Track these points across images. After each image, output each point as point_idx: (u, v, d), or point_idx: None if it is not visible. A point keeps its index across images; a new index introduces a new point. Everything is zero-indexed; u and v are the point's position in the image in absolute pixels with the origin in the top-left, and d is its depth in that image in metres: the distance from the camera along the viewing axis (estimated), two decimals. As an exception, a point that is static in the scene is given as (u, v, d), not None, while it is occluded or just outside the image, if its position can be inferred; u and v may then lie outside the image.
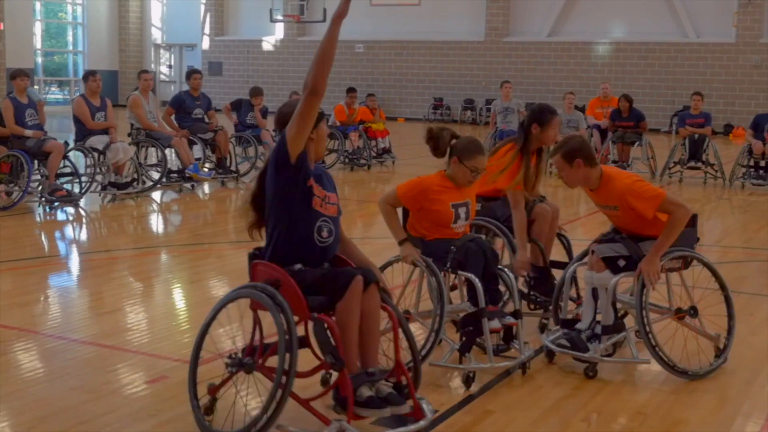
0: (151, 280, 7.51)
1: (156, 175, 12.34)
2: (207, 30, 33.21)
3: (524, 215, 5.78)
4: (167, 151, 12.41)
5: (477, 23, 28.79)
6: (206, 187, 12.82)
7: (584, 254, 5.39)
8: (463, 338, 4.95)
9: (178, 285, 7.37)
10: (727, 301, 5.28)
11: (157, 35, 35.15)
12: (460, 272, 5.01)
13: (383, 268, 5.13)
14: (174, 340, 5.62)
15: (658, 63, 26.49)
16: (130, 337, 5.67)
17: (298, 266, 4.10)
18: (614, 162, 14.88)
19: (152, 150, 12.76)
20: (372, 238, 9.74)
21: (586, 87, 25.70)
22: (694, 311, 5.15)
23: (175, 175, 12.52)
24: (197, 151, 13.04)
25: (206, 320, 4.25)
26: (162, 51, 35.33)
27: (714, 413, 4.59)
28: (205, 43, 33.37)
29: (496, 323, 4.93)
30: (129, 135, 12.50)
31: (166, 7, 34.66)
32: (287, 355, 3.81)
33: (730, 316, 5.26)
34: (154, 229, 10.43)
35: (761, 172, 13.52)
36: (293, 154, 4.03)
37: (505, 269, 5.23)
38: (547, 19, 27.80)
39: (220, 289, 7.15)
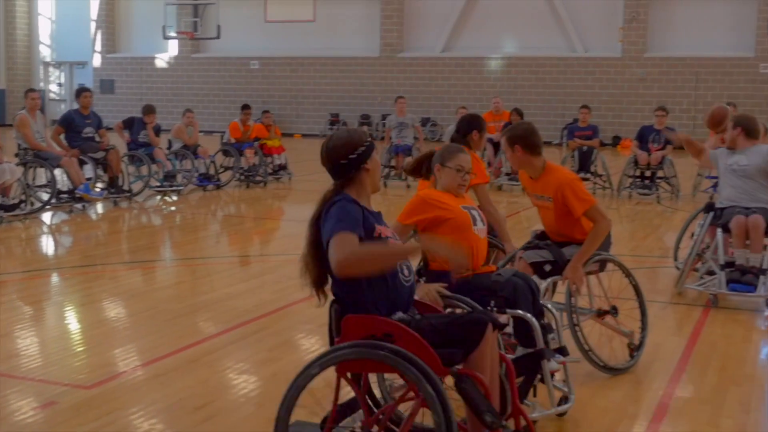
0: (41, 304, 7.32)
1: (45, 196, 12.04)
2: (98, 47, 32.58)
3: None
4: (57, 171, 12.13)
5: (372, 39, 29.01)
6: (98, 208, 12.57)
7: (508, 260, 5.54)
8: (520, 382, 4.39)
9: (70, 307, 7.20)
10: (640, 299, 5.57)
11: (46, 53, 34.31)
12: (509, 310, 4.49)
13: None
14: (65, 365, 5.49)
15: (548, 77, 27.13)
16: (18, 362, 5.51)
17: (399, 314, 3.65)
18: (507, 174, 15.19)
19: (41, 170, 12.46)
20: (269, 255, 9.71)
21: (479, 101, 26.12)
22: (614, 310, 5.41)
23: (66, 195, 12.24)
24: (88, 170, 12.77)
25: (294, 388, 3.61)
26: (51, 69, 34.49)
27: (603, 415, 4.72)
28: (97, 61, 32.71)
29: (554, 364, 4.49)
30: (16, 155, 12.18)
31: (56, 24, 33.87)
32: (447, 420, 3.32)
33: (643, 313, 5.57)
34: (44, 251, 10.17)
35: (647, 182, 13.96)
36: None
37: (548, 303, 4.92)
38: (441, 35, 28.19)
39: (112, 311, 7.03)
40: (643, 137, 14.04)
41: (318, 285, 3.72)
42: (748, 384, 5.28)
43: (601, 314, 5.47)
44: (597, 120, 20.28)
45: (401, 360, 3.35)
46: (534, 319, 4.45)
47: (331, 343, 3.72)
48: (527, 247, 5.47)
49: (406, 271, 3.71)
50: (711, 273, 7.41)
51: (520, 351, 4.50)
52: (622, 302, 5.60)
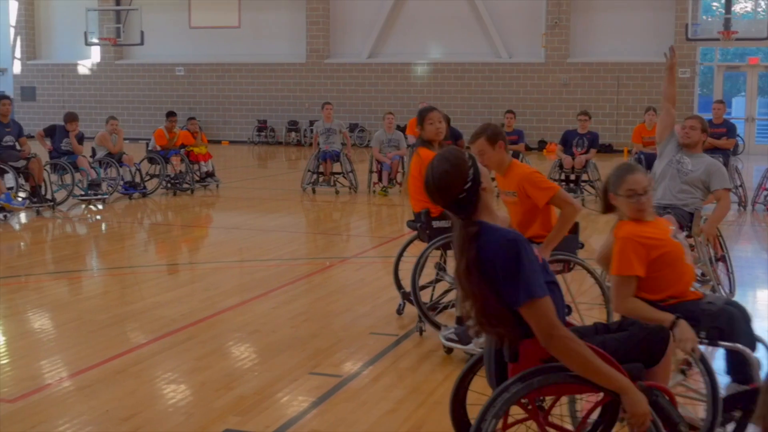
0: (-39, 317, 7.15)
1: (-35, 206, 11.76)
2: (18, 54, 31.90)
3: None
4: (-23, 180, 11.86)
5: (298, 45, 28.95)
6: (21, 217, 12.32)
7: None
8: (732, 422, 4.10)
9: (-8, 320, 7.05)
10: (605, 299, 5.72)
11: (-37, 59, 33.51)
12: (721, 343, 4.14)
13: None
14: (-13, 378, 5.37)
15: (474, 83, 27.41)
16: (-62, 377, 5.38)
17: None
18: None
19: (-40, 180, 12.17)
20: (197, 263, 9.63)
21: (406, 107, 26.28)
22: (569, 310, 5.49)
23: (-14, 205, 11.98)
24: (9, 179, 12.52)
25: (498, 410, 3.24)
26: (-31, 76, 33.69)
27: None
28: (17, 68, 32.03)
29: None
30: (-66, 165, 11.88)
31: (-27, 30, 33.10)
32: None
33: (608, 312, 5.69)
34: (-36, 262, 9.94)
35: (572, 185, 14.20)
36: None
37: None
38: (367, 40, 28.28)
39: (36, 322, 6.89)
40: (567, 141, 14.27)
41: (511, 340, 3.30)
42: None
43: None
44: (522, 125, 20.58)
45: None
46: (752, 354, 4.11)
47: (497, 367, 3.40)
48: None
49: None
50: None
51: (733, 388, 4.20)
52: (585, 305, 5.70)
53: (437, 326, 6.03)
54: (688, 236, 7.39)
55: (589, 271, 5.76)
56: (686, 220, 7.31)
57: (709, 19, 26.17)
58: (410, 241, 6.85)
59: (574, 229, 5.63)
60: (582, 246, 5.92)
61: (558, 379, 3.23)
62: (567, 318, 4.58)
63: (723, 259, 7.63)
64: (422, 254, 6.20)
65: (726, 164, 12.52)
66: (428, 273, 6.55)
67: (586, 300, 6.21)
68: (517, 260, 3.18)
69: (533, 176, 5.46)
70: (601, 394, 3.30)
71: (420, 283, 6.18)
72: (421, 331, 6.24)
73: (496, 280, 3.22)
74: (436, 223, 6.23)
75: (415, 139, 16.27)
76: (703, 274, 7.35)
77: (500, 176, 5.65)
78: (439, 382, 5.29)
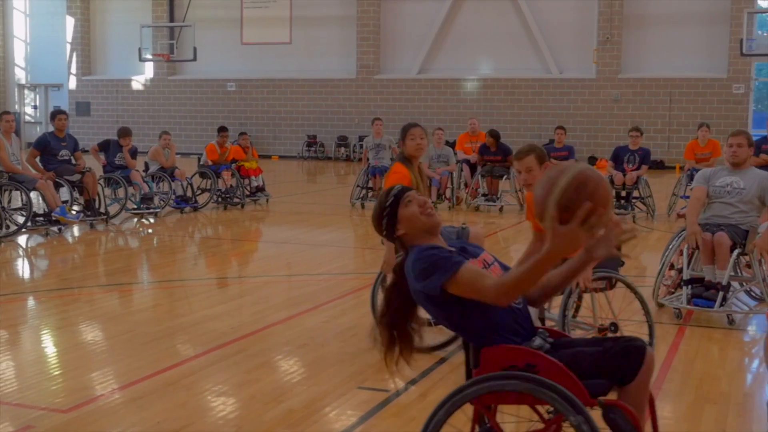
0: (16, 327, 7.26)
1: (21, 219, 11.97)
2: (74, 69, 32.49)
3: None
4: (32, 194, 12.06)
5: (348, 61, 29.11)
6: (75, 230, 12.51)
7: None
8: None
9: (46, 331, 7.15)
10: (647, 316, 5.67)
11: (21, 75, 34.19)
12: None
13: None
14: (41, 388, 5.45)
15: (523, 98, 27.31)
16: (-6, 386, 5.48)
17: (537, 341, 3.45)
18: (483, 195, 15.25)
19: (16, 193, 12.39)
20: (247, 277, 9.70)
21: (455, 122, 26.26)
22: (615, 327, 5.44)
23: (42, 218, 12.18)
24: (64, 193, 12.72)
25: (443, 412, 3.36)
26: (26, 91, 34.37)
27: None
28: (72, 83, 32.62)
29: None
30: (-8, 178, 12.11)
31: (30, 46, 33.78)
32: None
33: (651, 333, 5.62)
34: (20, 274, 10.10)
35: (622, 201, 14.05)
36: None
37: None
38: (417, 56, 28.33)
39: (89, 334, 6.98)
40: (618, 158, 14.14)
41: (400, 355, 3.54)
42: (723, 401, 5.32)
43: (601, 331, 5.54)
44: (572, 141, 20.44)
45: (553, 393, 3.19)
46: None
47: (468, 374, 3.53)
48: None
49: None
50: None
51: None
52: (627, 322, 5.68)
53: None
54: (743, 254, 7.28)
55: (631, 288, 5.70)
56: (741, 238, 7.20)
57: (765, 35, 25.84)
58: None
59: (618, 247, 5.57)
60: (623, 264, 5.87)
61: (496, 387, 3.26)
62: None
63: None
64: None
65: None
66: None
67: (627, 317, 6.14)
68: (424, 259, 3.36)
69: None
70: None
71: None
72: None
73: (416, 287, 3.38)
74: None
75: (465, 155, 16.30)
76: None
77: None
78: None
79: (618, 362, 3.36)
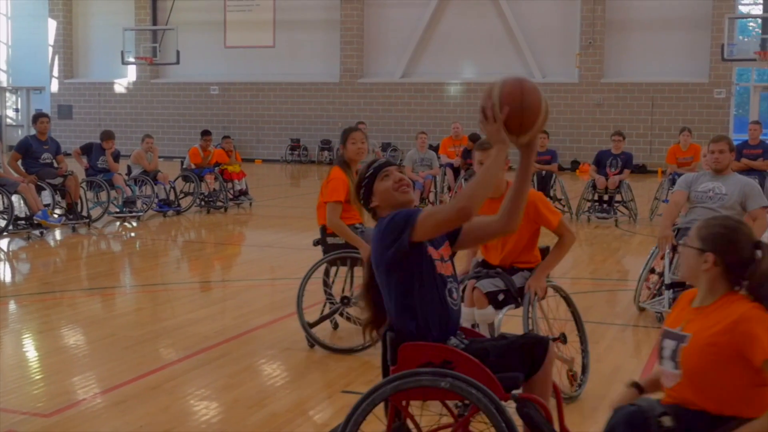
0: (-3, 332, 7.23)
1: (2, 223, 11.91)
2: (56, 72, 32.34)
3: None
4: (14, 197, 12.01)
5: (331, 65, 29.10)
6: (57, 234, 12.45)
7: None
8: None
9: (28, 335, 7.12)
10: (579, 325, 5.55)
11: (2, 78, 34.00)
12: None
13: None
14: (23, 392, 5.42)
15: (507, 102, 27.31)
16: (-25, 391, 5.44)
17: (453, 340, 3.60)
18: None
19: (-2, 196, 12.34)
20: (230, 281, 9.68)
21: (439, 126, 26.30)
22: (564, 338, 5.37)
23: (23, 222, 12.12)
24: (46, 196, 12.66)
25: (362, 411, 3.48)
26: (8, 94, 34.18)
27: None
28: (54, 86, 32.46)
29: None
30: (-28, 181, 12.04)
31: (12, 49, 33.59)
32: None
33: (582, 339, 5.53)
34: (1, 278, 10.04)
35: (605, 206, 14.11)
36: (415, 240, 3.53)
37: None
38: (401, 60, 28.36)
39: (71, 338, 6.95)
40: (601, 162, 14.19)
41: (373, 328, 3.71)
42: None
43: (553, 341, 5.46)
44: (555, 144, 20.54)
45: (466, 386, 3.29)
46: None
47: (385, 370, 3.64)
48: (478, 276, 5.39)
49: (455, 295, 3.67)
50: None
51: None
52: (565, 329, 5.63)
53: (312, 343, 6.38)
54: None
55: (561, 293, 5.55)
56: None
57: (746, 40, 26.04)
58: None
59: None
60: None
61: (424, 382, 3.34)
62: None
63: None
64: (312, 268, 6.57)
65: (762, 185, 12.40)
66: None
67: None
68: (390, 224, 3.53)
69: (544, 198, 5.37)
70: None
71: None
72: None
73: (387, 254, 3.53)
74: (330, 240, 6.58)
75: (448, 159, 16.33)
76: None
77: (488, 200, 5.24)
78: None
79: (523, 354, 3.57)
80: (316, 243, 6.80)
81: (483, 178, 3.44)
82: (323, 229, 6.62)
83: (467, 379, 3.32)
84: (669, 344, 3.22)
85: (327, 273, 6.80)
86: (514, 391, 3.47)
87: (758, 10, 26.19)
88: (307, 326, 6.44)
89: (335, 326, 6.97)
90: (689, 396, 3.14)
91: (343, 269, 6.74)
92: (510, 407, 3.40)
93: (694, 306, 3.25)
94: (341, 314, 6.79)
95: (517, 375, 3.53)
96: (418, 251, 3.54)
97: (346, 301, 6.57)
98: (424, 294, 3.55)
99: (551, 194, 14.68)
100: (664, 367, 3.22)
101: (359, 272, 6.18)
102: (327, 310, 6.77)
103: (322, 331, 6.72)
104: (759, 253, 3.10)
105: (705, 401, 3.10)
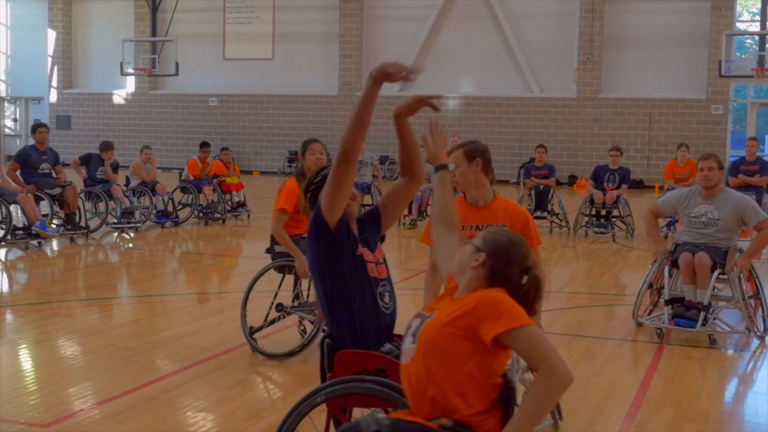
0: (-5, 342, 7.22)
1: (0, 233, 11.90)
2: (55, 83, 32.38)
3: None
4: (12, 207, 12.01)
5: (330, 78, 29.16)
6: (54, 244, 12.45)
7: None
8: None
9: (25, 345, 7.11)
10: None
11: (1, 88, 34.02)
12: None
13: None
14: (20, 403, 5.42)
15: (504, 117, 27.44)
16: (-28, 401, 5.43)
17: (387, 346, 3.64)
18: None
19: (-4, 206, 12.33)
20: (227, 292, 9.67)
21: (437, 140, 26.30)
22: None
23: (21, 232, 12.12)
24: (44, 207, 12.66)
25: (295, 416, 3.56)
26: (7, 104, 34.20)
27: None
28: (53, 96, 32.50)
29: None
30: (-29, 191, 12.04)
31: (11, 59, 33.62)
32: None
33: None
34: (-1, 288, 10.04)
35: (602, 220, 14.14)
36: (332, 222, 3.67)
37: None
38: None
39: (68, 349, 6.95)
40: (598, 177, 14.23)
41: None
42: (702, 420, 5.36)
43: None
44: (553, 159, 20.56)
45: (401, 396, 3.25)
46: None
47: (323, 378, 3.72)
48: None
49: (387, 298, 3.71)
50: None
51: None
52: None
53: (256, 350, 6.55)
54: (722, 274, 7.34)
55: None
56: (720, 258, 7.27)
57: (743, 56, 26.13)
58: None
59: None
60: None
61: (357, 389, 3.42)
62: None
63: (756, 297, 7.57)
64: (257, 275, 6.87)
65: (759, 201, 12.45)
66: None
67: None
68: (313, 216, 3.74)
69: (531, 217, 4.96)
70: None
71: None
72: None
73: (313, 243, 3.72)
74: (277, 248, 6.84)
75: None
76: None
77: (474, 208, 4.83)
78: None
79: None
80: (267, 251, 7.07)
81: (353, 115, 3.62)
82: (272, 238, 6.86)
83: (397, 386, 3.30)
84: (415, 323, 3.17)
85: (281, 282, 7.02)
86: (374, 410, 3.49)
87: (755, 27, 26.33)
88: (248, 333, 6.68)
89: (303, 332, 7.12)
90: (420, 373, 3.05)
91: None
92: None
93: (454, 297, 3.23)
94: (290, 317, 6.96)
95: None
96: (348, 245, 3.67)
97: (279, 308, 6.76)
98: (356, 295, 3.63)
99: (549, 209, 14.71)
100: (405, 344, 3.15)
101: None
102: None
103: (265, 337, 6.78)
104: (525, 278, 3.11)
105: (429, 383, 3.00)
